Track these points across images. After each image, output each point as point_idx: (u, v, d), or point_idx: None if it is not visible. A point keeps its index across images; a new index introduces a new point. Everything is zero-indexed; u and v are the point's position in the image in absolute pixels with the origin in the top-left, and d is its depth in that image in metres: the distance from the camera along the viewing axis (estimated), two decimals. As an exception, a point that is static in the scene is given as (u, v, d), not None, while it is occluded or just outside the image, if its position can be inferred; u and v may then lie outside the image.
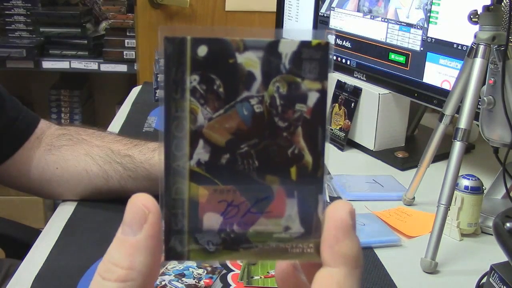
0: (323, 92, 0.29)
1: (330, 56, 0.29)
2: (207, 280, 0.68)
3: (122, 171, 0.83)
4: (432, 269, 0.74)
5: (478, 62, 0.77)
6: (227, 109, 0.29)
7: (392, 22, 1.10)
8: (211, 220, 0.29)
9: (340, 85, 1.20)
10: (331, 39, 0.29)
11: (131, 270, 0.28)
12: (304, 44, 0.29)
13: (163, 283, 0.67)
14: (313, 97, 0.29)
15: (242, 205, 0.29)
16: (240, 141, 0.29)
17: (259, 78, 0.29)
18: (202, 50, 0.28)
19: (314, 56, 0.29)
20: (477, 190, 0.81)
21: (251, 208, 0.29)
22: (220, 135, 0.29)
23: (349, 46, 1.22)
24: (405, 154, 1.13)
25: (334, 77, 1.21)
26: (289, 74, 0.29)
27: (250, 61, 0.29)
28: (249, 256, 0.30)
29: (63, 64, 2.35)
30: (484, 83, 0.79)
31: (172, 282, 0.67)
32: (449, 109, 0.85)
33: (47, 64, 2.35)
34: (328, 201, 0.33)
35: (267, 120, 0.29)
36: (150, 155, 0.83)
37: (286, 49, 0.29)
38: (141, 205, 0.28)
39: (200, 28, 0.30)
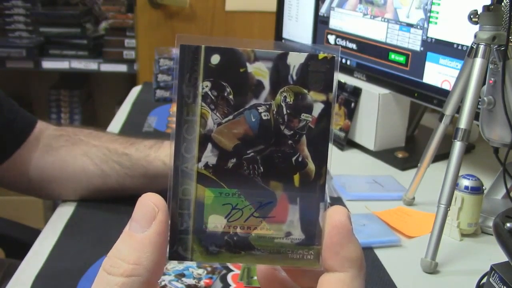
0: (327, 103, 0.30)
1: (336, 70, 0.30)
2: (207, 280, 0.68)
3: (120, 169, 0.83)
4: (432, 269, 0.74)
5: (478, 62, 0.77)
6: (236, 115, 0.30)
7: (392, 22, 1.10)
8: (216, 222, 0.30)
9: (340, 85, 1.19)
10: (337, 54, 0.30)
11: (138, 266, 0.28)
12: (311, 57, 0.30)
13: (163, 283, 0.67)
14: (318, 108, 0.30)
15: (245, 209, 0.30)
16: (246, 147, 0.30)
17: (267, 87, 0.30)
18: (215, 59, 0.30)
19: (320, 69, 0.30)
20: (477, 190, 0.81)
21: (255, 212, 0.30)
22: (228, 140, 0.30)
23: (349, 46, 1.22)
24: (405, 154, 1.13)
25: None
26: (296, 85, 0.30)
27: (260, 71, 0.30)
28: (250, 260, 0.30)
29: (63, 64, 2.35)
30: (484, 83, 0.79)
31: (172, 282, 0.67)
32: (449, 109, 0.85)
33: (47, 64, 2.35)
34: (329, 201, 0.33)
35: (274, 128, 0.30)
36: (147, 152, 0.83)
37: (294, 61, 0.30)
38: (151, 203, 0.29)
39: (216, 38, 0.32)
